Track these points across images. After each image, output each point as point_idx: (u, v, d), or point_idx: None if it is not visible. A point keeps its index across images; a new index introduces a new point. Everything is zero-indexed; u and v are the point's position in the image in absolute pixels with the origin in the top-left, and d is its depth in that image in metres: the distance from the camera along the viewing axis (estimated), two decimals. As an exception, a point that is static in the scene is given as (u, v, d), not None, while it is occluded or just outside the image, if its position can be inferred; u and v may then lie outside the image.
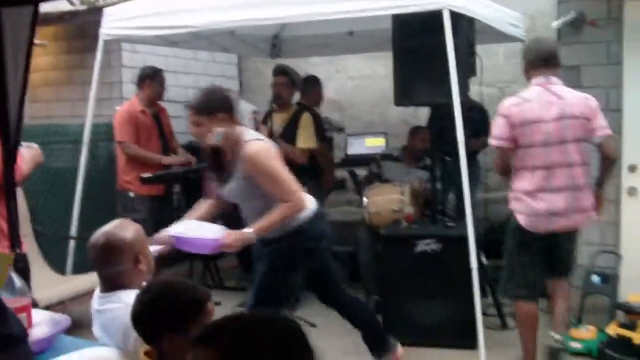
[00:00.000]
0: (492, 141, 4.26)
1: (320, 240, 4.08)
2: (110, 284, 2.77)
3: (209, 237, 3.72)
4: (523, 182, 4.24)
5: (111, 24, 5.70)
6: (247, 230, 3.77)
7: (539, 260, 4.32)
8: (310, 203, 4.01)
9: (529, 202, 4.20)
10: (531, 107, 4.12)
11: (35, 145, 3.95)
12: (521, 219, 4.26)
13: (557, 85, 4.18)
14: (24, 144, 3.66)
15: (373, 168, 6.55)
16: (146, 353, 2.32)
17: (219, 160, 3.95)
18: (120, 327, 2.61)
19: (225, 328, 1.56)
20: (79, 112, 6.44)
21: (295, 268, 4.13)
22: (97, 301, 2.81)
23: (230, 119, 3.82)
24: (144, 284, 2.79)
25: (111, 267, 2.74)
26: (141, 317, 2.32)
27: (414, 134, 6.42)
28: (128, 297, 2.65)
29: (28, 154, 3.83)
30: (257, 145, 3.79)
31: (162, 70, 6.42)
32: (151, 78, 6.28)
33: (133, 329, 2.42)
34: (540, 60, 4.21)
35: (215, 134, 3.73)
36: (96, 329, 2.80)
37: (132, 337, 2.55)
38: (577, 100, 4.16)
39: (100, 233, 2.78)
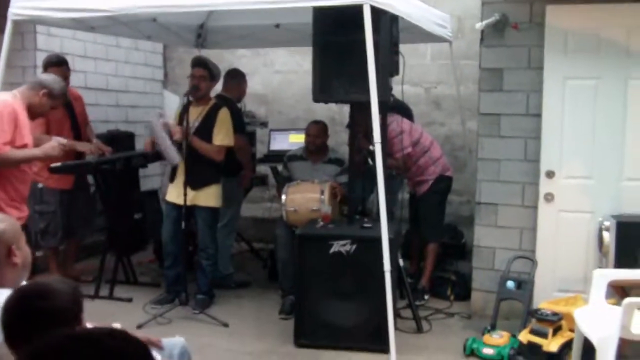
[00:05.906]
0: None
1: None
2: None
3: None
4: (437, 151, 6.28)
5: (21, 3, 5.16)
6: None
7: None
8: None
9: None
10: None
11: None
12: (450, 173, 6.31)
13: None
14: None
15: (283, 172, 6.43)
16: None
17: None
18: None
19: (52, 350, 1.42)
20: (-10, 96, 6.10)
21: None
22: (-34, 299, 2.60)
23: None
24: (23, 282, 2.61)
25: None
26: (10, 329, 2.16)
27: (306, 130, 6.29)
28: None
29: None
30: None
31: (65, 61, 6.15)
32: (57, 65, 5.99)
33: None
34: None
35: None
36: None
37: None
38: None
39: None
